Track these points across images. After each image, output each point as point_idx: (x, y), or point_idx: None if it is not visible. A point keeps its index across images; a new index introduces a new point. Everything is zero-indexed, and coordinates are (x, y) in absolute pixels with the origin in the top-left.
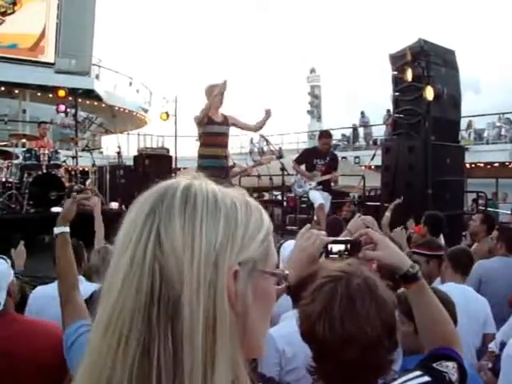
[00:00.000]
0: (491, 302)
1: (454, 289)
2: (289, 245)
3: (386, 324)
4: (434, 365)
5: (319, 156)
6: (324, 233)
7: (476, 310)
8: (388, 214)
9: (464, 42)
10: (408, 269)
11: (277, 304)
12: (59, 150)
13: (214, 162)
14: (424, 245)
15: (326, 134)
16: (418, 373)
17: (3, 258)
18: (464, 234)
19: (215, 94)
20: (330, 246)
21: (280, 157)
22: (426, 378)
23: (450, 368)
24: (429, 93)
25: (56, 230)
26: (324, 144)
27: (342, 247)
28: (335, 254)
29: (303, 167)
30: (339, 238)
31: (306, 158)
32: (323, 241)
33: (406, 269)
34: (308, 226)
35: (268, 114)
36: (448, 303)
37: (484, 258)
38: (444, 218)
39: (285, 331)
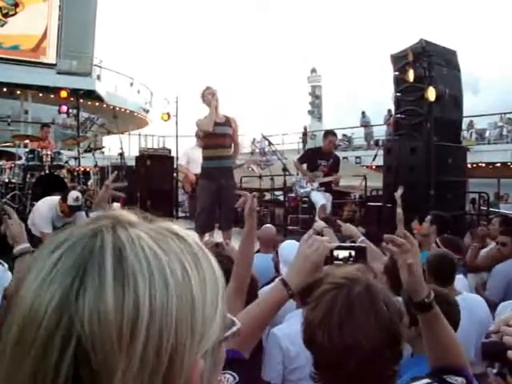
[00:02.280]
0: None
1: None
2: (288, 244)
3: (387, 333)
4: (444, 376)
5: (323, 156)
6: (327, 238)
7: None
8: (400, 210)
9: (463, 42)
10: (424, 298)
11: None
12: (61, 151)
13: (217, 163)
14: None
15: (330, 133)
16: (427, 380)
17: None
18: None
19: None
20: (335, 253)
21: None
22: None
23: (459, 382)
24: (430, 93)
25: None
26: (330, 142)
27: (346, 254)
28: (340, 260)
29: (305, 167)
30: (344, 244)
31: (309, 157)
32: (327, 247)
33: (422, 297)
34: (311, 231)
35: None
36: (451, 305)
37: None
38: (449, 219)
39: (289, 330)
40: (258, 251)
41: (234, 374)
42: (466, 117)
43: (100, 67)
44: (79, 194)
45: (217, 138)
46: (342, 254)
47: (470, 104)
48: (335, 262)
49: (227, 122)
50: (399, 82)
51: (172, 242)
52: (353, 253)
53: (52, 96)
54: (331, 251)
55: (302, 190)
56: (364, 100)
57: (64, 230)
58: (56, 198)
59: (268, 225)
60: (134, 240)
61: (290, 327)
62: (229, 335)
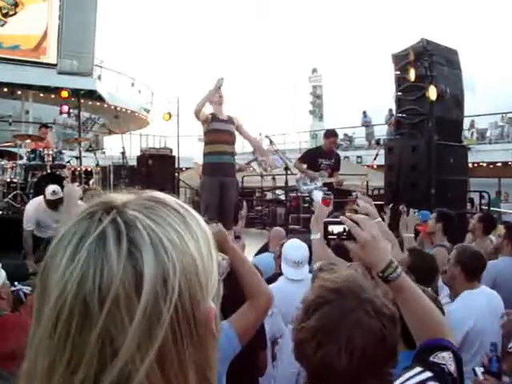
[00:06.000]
0: (504, 303)
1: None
2: (291, 242)
3: (385, 350)
4: (431, 358)
5: (324, 156)
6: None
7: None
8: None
9: (464, 41)
10: (379, 271)
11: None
12: (63, 151)
13: (220, 158)
14: None
15: (332, 133)
16: (418, 369)
17: None
18: None
19: (211, 90)
20: (329, 228)
21: (286, 168)
22: (428, 374)
23: (446, 359)
24: (432, 92)
25: None
26: (330, 143)
27: (341, 229)
28: (335, 235)
29: (305, 166)
30: (338, 220)
31: (310, 157)
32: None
33: (378, 270)
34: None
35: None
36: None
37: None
38: (454, 215)
39: None
40: (265, 249)
41: None
42: (467, 116)
43: (101, 67)
44: (56, 188)
45: (220, 134)
46: (337, 229)
47: (471, 104)
48: (330, 236)
49: (230, 120)
50: (400, 81)
51: (162, 213)
52: (347, 228)
53: (53, 96)
54: (326, 226)
55: (304, 187)
56: (365, 99)
57: (69, 224)
58: (39, 197)
59: (278, 228)
60: (132, 221)
61: None
62: (223, 272)
